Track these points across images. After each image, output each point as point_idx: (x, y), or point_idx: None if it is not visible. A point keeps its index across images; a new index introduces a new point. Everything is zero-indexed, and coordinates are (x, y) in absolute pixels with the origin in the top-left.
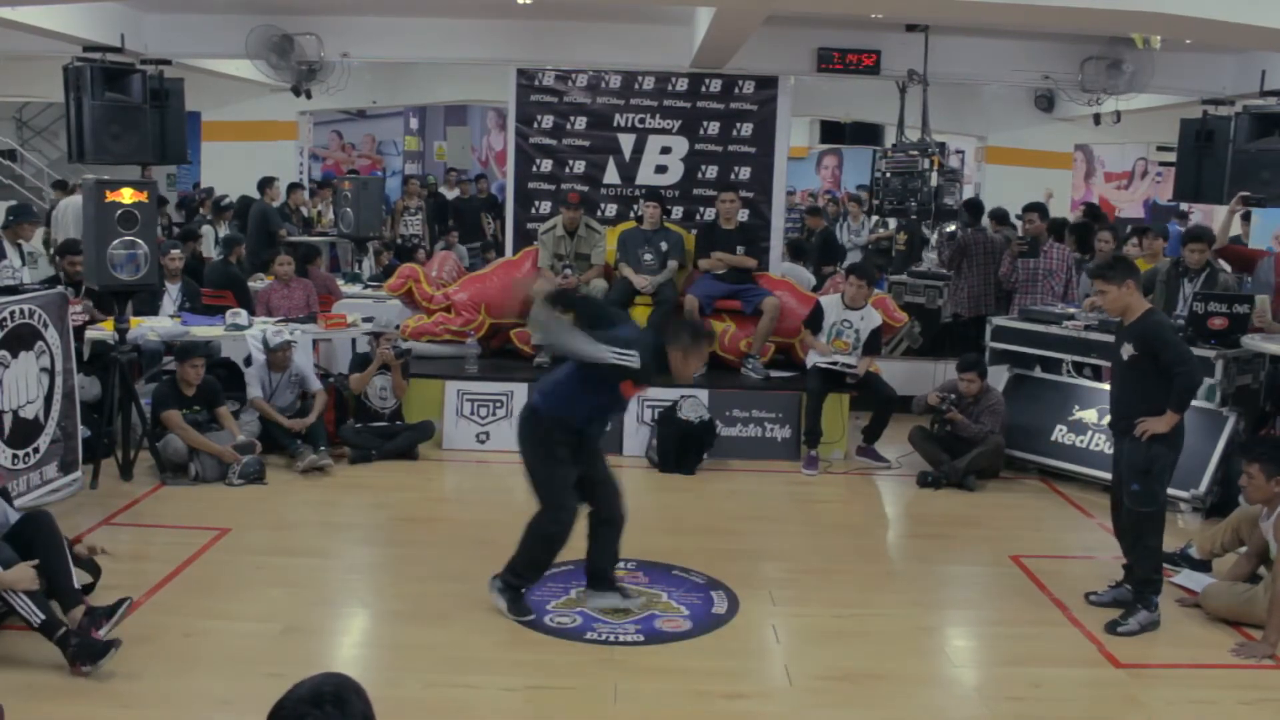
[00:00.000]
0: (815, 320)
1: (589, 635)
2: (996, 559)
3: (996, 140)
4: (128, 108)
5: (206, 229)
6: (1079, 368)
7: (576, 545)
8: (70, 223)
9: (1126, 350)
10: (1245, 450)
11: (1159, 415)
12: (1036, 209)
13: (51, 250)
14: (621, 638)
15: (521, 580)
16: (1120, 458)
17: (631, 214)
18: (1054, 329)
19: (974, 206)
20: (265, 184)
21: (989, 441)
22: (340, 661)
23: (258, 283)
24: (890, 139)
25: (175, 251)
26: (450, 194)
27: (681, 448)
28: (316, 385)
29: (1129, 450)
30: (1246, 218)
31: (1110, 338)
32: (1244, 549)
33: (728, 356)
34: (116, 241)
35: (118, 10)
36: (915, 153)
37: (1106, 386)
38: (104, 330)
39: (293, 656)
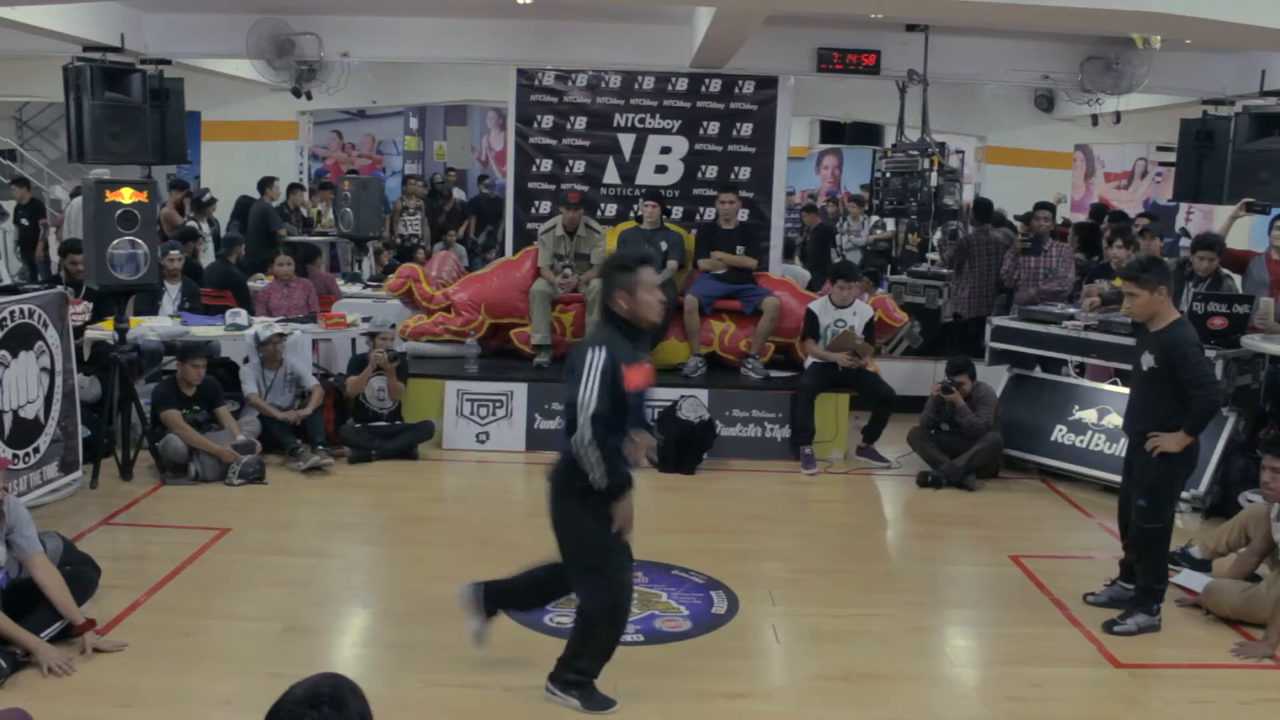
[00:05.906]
0: (811, 327)
1: None
2: (996, 559)
3: (996, 140)
4: (128, 107)
5: (191, 225)
6: (1080, 367)
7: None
8: (77, 222)
9: (1146, 360)
10: (1270, 447)
11: (1173, 430)
12: (1047, 207)
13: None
14: (621, 638)
15: (586, 674)
16: (1133, 460)
17: (631, 214)
18: (1054, 329)
19: (982, 206)
20: (265, 184)
21: (987, 439)
22: (340, 661)
23: (257, 283)
24: (890, 139)
25: (174, 253)
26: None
27: (681, 448)
28: (312, 382)
29: (1140, 466)
30: None
31: (1110, 338)
32: (1245, 549)
33: (728, 356)
34: (116, 241)
35: (118, 10)
36: (915, 153)
37: (1104, 386)
38: (104, 330)
39: (293, 656)
